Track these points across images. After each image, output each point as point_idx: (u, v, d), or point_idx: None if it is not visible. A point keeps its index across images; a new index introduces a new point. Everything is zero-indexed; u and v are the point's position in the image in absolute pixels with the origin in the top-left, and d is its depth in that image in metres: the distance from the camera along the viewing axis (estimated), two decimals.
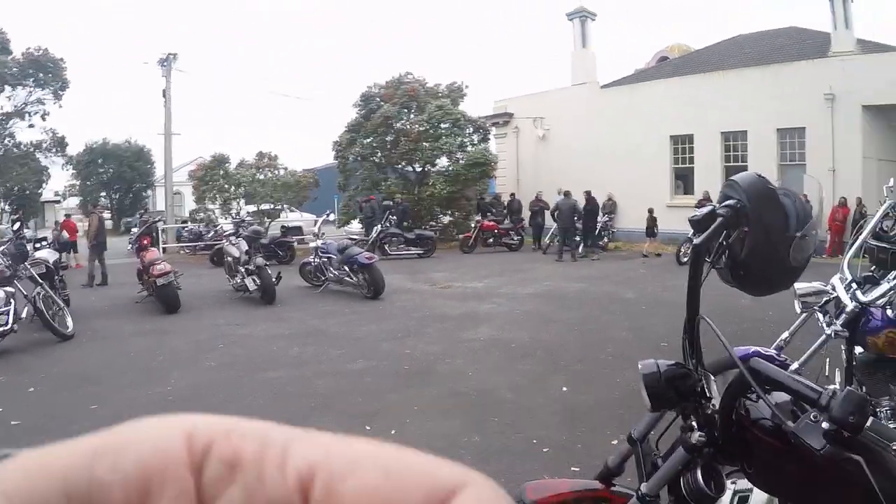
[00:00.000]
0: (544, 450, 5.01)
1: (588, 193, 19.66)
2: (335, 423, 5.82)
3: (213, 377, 7.84)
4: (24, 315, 10.00)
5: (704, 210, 1.90)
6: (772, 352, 3.01)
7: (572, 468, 4.59)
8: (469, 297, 12.72)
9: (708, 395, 1.94)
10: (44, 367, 8.67)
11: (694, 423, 1.91)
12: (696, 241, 1.86)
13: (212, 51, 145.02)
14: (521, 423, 5.61)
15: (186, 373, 8.11)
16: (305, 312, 11.94)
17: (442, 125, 24.76)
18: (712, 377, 2.05)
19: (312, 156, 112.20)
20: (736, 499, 2.05)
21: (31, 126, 25.54)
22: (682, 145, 22.32)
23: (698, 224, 1.88)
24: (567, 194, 19.19)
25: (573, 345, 8.45)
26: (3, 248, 11.04)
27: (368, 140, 25.77)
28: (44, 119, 25.44)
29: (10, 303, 9.64)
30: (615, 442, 4.82)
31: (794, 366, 4.03)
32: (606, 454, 2.51)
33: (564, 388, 6.48)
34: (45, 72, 24.50)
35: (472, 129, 25.90)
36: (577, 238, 19.43)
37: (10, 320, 9.47)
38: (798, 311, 4.41)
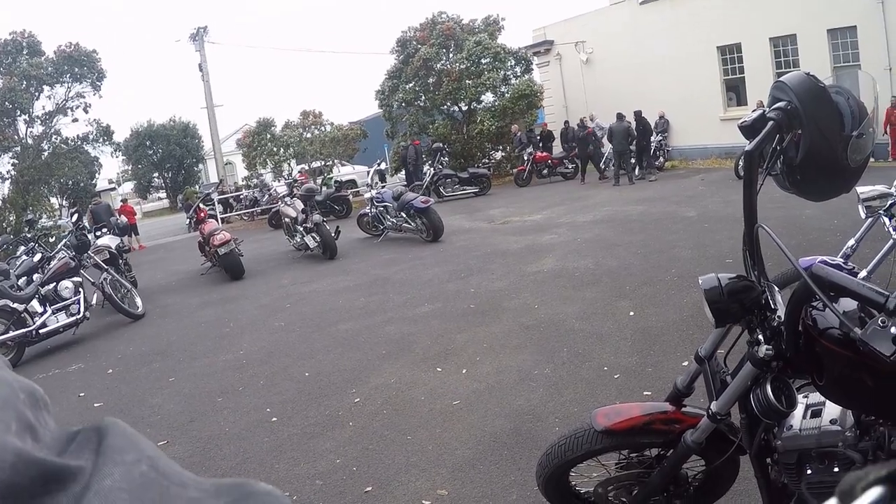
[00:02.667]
0: (615, 376, 5.00)
1: (638, 114, 19.18)
2: (407, 369, 5.93)
3: (284, 337, 7.97)
4: (94, 302, 10.34)
5: (754, 115, 1.82)
6: (838, 260, 2.93)
7: (644, 392, 4.57)
8: (529, 231, 12.62)
9: (773, 307, 1.89)
10: (119, 349, 8.92)
11: (760, 337, 1.87)
12: (748, 147, 1.79)
13: (242, 17, 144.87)
14: (591, 351, 5.59)
15: (257, 336, 8.24)
16: (368, 263, 12.02)
17: (482, 61, 24.32)
18: (776, 288, 1.99)
19: (357, 108, 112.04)
20: (809, 413, 1.98)
21: (74, 120, 25.87)
22: (731, 55, 21.39)
23: (749, 129, 1.81)
24: (619, 117, 18.70)
25: (637, 268, 8.34)
26: (65, 240, 11.30)
27: (410, 85, 25.43)
28: (86, 111, 25.75)
29: (79, 292, 9.97)
30: (685, 363, 4.80)
31: (863, 273, 3.92)
32: (677, 375, 2.48)
33: (631, 313, 6.43)
34: (80, 66, 24.75)
35: (513, 62, 25.39)
36: (633, 160, 19.02)
37: (82, 308, 9.82)
38: (863, 216, 4.27)
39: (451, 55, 25.28)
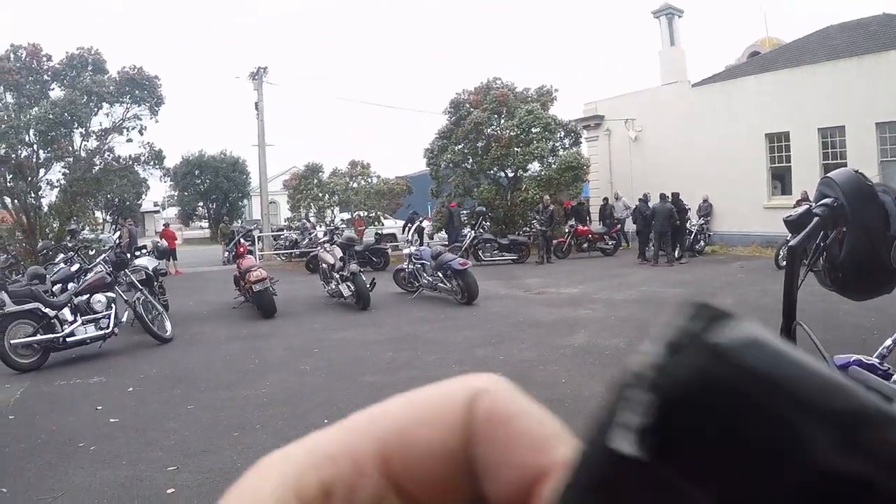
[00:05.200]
0: None
1: (675, 196, 19.26)
2: None
3: (308, 381, 7.98)
4: (124, 319, 10.52)
5: (800, 209, 1.81)
6: (874, 360, 2.86)
7: None
8: (564, 303, 12.59)
9: None
10: (143, 369, 9.00)
11: None
12: (792, 242, 1.77)
13: (302, 63, 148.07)
14: None
15: (281, 376, 8.27)
16: (399, 318, 12.01)
17: (533, 129, 24.47)
18: None
19: (405, 163, 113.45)
20: None
21: (129, 140, 26.39)
22: (778, 143, 21.33)
23: (794, 224, 1.79)
24: (663, 197, 18.75)
25: None
26: (104, 255, 11.49)
27: (460, 146, 25.66)
28: (141, 133, 26.26)
29: (112, 307, 10.18)
30: None
31: None
32: None
33: None
34: (140, 89, 25.31)
35: (563, 133, 25.63)
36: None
37: (112, 324, 10.00)
38: None
39: (502, 121, 25.55)
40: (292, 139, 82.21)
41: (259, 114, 29.07)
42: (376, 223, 27.13)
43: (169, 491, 4.93)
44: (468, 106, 25.94)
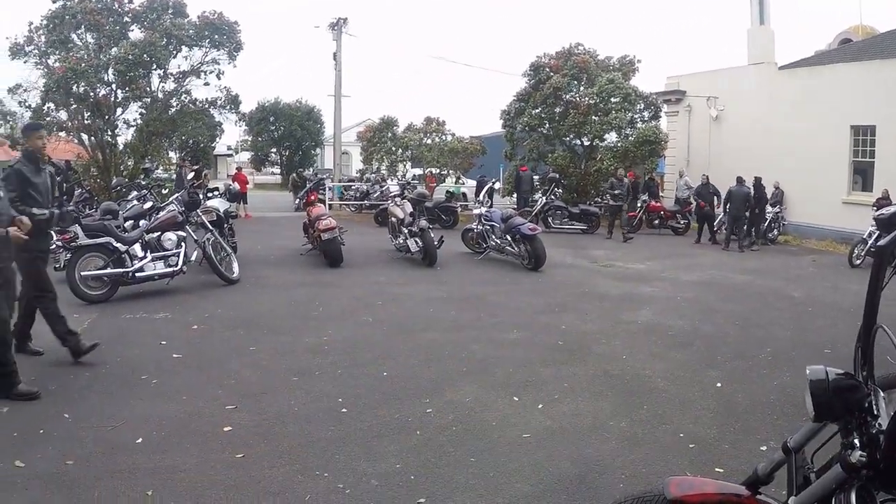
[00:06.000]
0: (690, 445, 4.87)
1: (757, 181, 18.60)
2: (485, 391, 5.93)
3: (369, 332, 8.07)
4: (193, 258, 10.78)
5: (892, 209, 1.79)
6: None
7: (716, 468, 4.43)
8: (630, 278, 12.48)
9: (875, 412, 1.84)
10: (208, 308, 9.22)
11: (856, 441, 1.82)
12: (882, 241, 1.76)
13: (382, 16, 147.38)
14: (671, 414, 5.47)
15: (343, 326, 8.39)
16: (465, 278, 12.09)
17: (612, 99, 23.92)
18: (881, 393, 1.94)
19: (480, 123, 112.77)
20: None
21: (206, 84, 26.75)
22: (864, 136, 20.36)
23: (885, 223, 1.80)
24: (739, 181, 18.22)
25: (732, 339, 8.13)
26: (178, 195, 11.77)
27: (537, 111, 25.34)
28: (219, 78, 26.58)
29: (181, 246, 10.43)
30: (764, 448, 4.71)
31: None
32: (754, 458, 2.43)
33: (719, 384, 6.26)
34: (220, 34, 25.59)
35: (642, 105, 25.09)
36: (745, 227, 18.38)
37: (181, 262, 10.27)
38: None
39: (581, 88, 25.12)
40: (368, 92, 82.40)
41: (337, 64, 29.23)
42: (458, 181, 27.11)
43: (226, 429, 5.07)
44: (548, 70, 25.55)
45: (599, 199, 23.00)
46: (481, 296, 10.47)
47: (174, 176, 24.28)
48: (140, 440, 4.85)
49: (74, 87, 23.41)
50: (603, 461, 4.57)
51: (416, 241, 13.31)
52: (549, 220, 20.90)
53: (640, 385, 6.19)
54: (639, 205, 21.68)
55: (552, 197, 21.36)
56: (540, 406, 5.55)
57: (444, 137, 27.56)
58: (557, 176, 22.66)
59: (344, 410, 5.42)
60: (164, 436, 4.95)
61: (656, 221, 21.71)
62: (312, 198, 15.83)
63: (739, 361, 7.10)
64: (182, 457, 4.59)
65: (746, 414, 5.50)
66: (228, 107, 27.87)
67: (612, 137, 24.93)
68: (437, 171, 27.25)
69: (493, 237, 14.04)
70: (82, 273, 9.57)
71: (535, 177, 24.47)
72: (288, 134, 50.27)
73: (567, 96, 24.93)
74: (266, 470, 4.38)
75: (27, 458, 4.54)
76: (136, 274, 9.94)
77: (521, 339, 7.82)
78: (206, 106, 26.97)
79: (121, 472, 4.35)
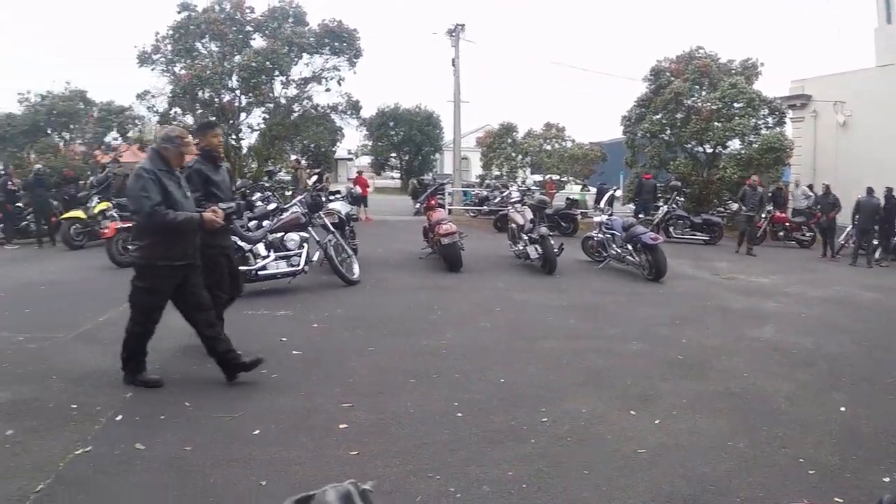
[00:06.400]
0: (810, 471, 4.71)
1: (888, 191, 17.46)
2: (602, 402, 5.95)
3: (487, 338, 8.20)
4: (315, 259, 11.18)
5: None
6: None
7: (836, 498, 4.27)
8: (753, 292, 12.19)
9: None
10: (328, 308, 9.54)
11: None
12: None
13: (500, 22, 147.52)
14: (791, 437, 5.32)
15: (461, 330, 8.54)
16: (584, 286, 12.08)
17: (735, 104, 23.43)
18: None
19: (600, 129, 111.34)
20: None
21: (327, 90, 27.71)
22: None
23: None
24: (869, 191, 17.42)
25: (860, 361, 7.83)
26: (301, 197, 12.18)
27: (658, 116, 25.12)
28: (339, 84, 27.48)
29: (304, 247, 10.85)
30: (888, 479, 4.58)
31: None
32: (877, 489, 2.45)
33: (843, 408, 6.03)
34: (339, 41, 26.42)
35: (766, 111, 24.33)
36: (875, 242, 17.55)
37: (303, 262, 10.69)
38: None
39: (703, 93, 24.71)
40: (487, 97, 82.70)
41: (455, 70, 29.66)
42: (584, 188, 27.07)
43: (341, 426, 5.26)
44: (668, 74, 25.29)
45: (722, 209, 22.53)
46: (601, 305, 10.48)
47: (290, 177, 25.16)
48: (257, 432, 5.11)
49: (200, 93, 24.74)
50: (719, 482, 4.51)
51: (535, 248, 13.31)
52: (671, 229, 20.56)
53: (760, 405, 6.08)
54: (763, 216, 20.91)
55: (674, 206, 21.01)
56: (657, 421, 5.51)
57: (563, 143, 27.58)
58: (680, 184, 22.28)
59: (459, 415, 5.54)
60: (280, 429, 5.20)
61: (781, 233, 21.05)
62: (432, 202, 16.15)
63: (865, 385, 6.86)
64: (297, 450, 4.82)
65: (871, 442, 5.31)
66: (349, 112, 28.77)
67: (735, 144, 24.33)
68: (558, 177, 27.29)
69: (614, 246, 13.93)
70: None
71: (659, 185, 24.09)
72: (407, 139, 51.31)
73: (688, 101, 24.59)
74: (379, 468, 4.54)
75: (148, 441, 4.87)
76: (259, 272, 10.47)
77: (640, 351, 7.80)
78: (328, 111, 27.90)
79: (236, 461, 4.62)
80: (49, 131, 26.35)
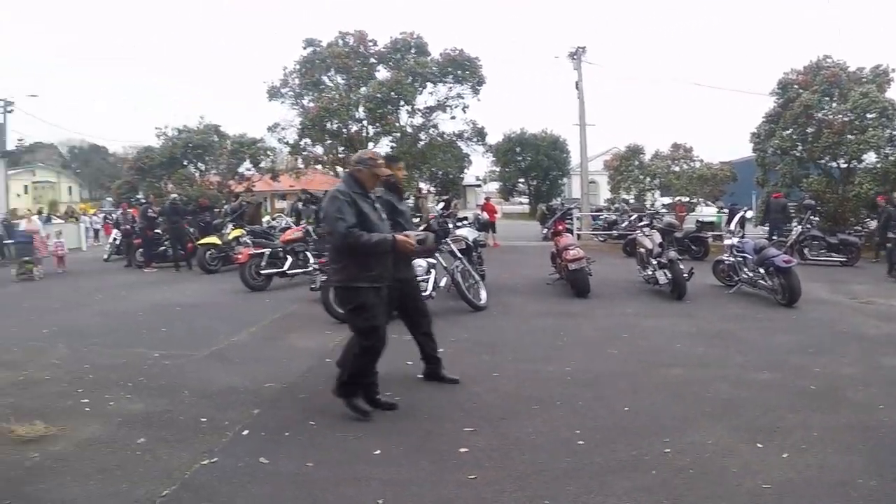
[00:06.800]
0: None
1: None
2: (727, 433, 5.82)
3: (613, 366, 8.19)
4: (442, 284, 11.57)
5: None
6: None
7: None
8: (893, 319, 11.53)
9: None
10: (454, 332, 9.72)
11: None
12: None
13: (620, 42, 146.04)
14: None
15: (587, 357, 8.57)
16: (714, 312, 11.86)
17: (868, 115, 22.40)
18: None
19: (728, 147, 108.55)
20: None
21: (452, 118, 28.35)
22: None
23: None
24: None
25: None
26: (428, 223, 12.57)
27: (788, 132, 24.28)
28: (464, 111, 28.11)
29: (431, 272, 11.19)
30: None
31: None
32: None
33: None
34: (462, 69, 26.99)
35: None
36: None
37: (430, 287, 11.04)
38: None
39: (833, 104, 23.76)
40: (613, 119, 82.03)
41: (579, 93, 29.77)
42: (721, 210, 26.49)
43: (462, 449, 5.38)
44: (797, 87, 24.48)
45: (859, 228, 21.66)
46: (730, 332, 10.26)
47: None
48: (378, 452, 5.32)
49: (328, 125, 25.80)
50: None
51: (664, 273, 13.23)
52: (805, 250, 19.76)
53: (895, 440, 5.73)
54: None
55: (808, 226, 20.22)
56: (785, 455, 5.29)
57: (692, 164, 27.22)
58: (813, 203, 21.48)
59: (581, 443, 5.54)
60: (401, 450, 5.37)
61: None
62: (560, 227, 16.31)
63: None
64: (416, 471, 4.98)
65: None
66: (475, 139, 29.31)
67: (870, 158, 23.17)
68: (687, 199, 26.93)
69: (745, 269, 13.58)
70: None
71: (791, 204, 23.15)
72: (535, 164, 51.71)
73: (819, 114, 23.62)
74: (496, 494, 4.62)
75: (272, 456, 5.20)
76: None
77: (770, 381, 7.58)
78: (454, 138, 28.50)
79: (356, 479, 4.83)
80: (185, 163, 28.08)
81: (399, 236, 6.08)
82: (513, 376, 7.61)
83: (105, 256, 24.46)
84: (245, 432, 5.85)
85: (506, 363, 8.22)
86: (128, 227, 22.90)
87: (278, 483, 4.84)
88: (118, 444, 5.65)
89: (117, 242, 24.09)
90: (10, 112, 36.66)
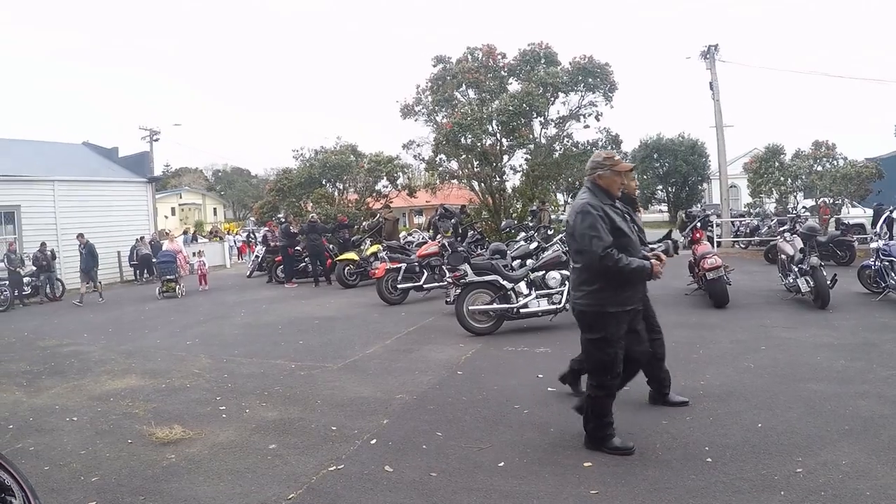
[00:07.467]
0: None
1: None
2: (864, 454, 5.46)
3: (748, 380, 7.91)
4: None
5: None
6: None
7: None
8: None
9: None
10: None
11: None
12: None
13: (754, 37, 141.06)
14: None
15: (721, 370, 8.34)
16: (858, 322, 11.24)
17: None
18: None
19: (875, 143, 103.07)
20: None
21: (586, 127, 28.07)
22: None
23: None
24: None
25: None
26: (561, 235, 12.65)
27: None
28: (598, 119, 27.74)
29: (565, 284, 11.15)
30: None
31: None
32: None
33: None
34: (593, 77, 26.69)
35: None
36: None
37: (564, 300, 11.04)
38: None
39: None
40: (753, 119, 79.04)
41: (714, 94, 28.98)
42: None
43: (586, 464, 5.38)
44: None
45: None
46: (875, 343, 9.66)
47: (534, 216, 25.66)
48: (502, 464, 5.37)
49: (462, 140, 26.01)
50: None
51: (806, 280, 12.68)
52: None
53: None
54: None
55: None
56: None
57: (835, 162, 26.03)
58: None
59: (708, 460, 5.39)
60: (525, 463, 5.40)
61: None
62: (698, 235, 15.94)
63: None
64: (538, 484, 4.98)
65: None
66: (610, 147, 28.94)
67: None
68: (831, 200, 25.76)
69: (893, 275, 12.79)
70: (470, 307, 11.01)
71: None
72: (673, 170, 50.71)
73: None
74: None
75: (397, 465, 5.34)
76: (521, 310, 11.06)
77: None
78: (589, 147, 28.20)
79: (478, 489, 4.88)
80: (323, 182, 28.91)
81: (655, 263, 5.60)
82: (643, 390, 7.40)
83: (247, 273, 25.67)
84: (373, 441, 6.07)
85: (638, 376, 7.99)
86: (275, 244, 23.96)
87: (400, 491, 4.97)
88: (250, 449, 6.02)
89: (259, 259, 25.26)
90: (156, 140, 39.49)
